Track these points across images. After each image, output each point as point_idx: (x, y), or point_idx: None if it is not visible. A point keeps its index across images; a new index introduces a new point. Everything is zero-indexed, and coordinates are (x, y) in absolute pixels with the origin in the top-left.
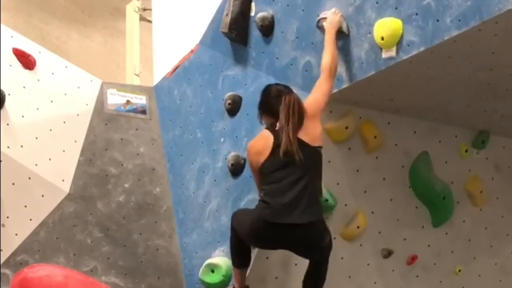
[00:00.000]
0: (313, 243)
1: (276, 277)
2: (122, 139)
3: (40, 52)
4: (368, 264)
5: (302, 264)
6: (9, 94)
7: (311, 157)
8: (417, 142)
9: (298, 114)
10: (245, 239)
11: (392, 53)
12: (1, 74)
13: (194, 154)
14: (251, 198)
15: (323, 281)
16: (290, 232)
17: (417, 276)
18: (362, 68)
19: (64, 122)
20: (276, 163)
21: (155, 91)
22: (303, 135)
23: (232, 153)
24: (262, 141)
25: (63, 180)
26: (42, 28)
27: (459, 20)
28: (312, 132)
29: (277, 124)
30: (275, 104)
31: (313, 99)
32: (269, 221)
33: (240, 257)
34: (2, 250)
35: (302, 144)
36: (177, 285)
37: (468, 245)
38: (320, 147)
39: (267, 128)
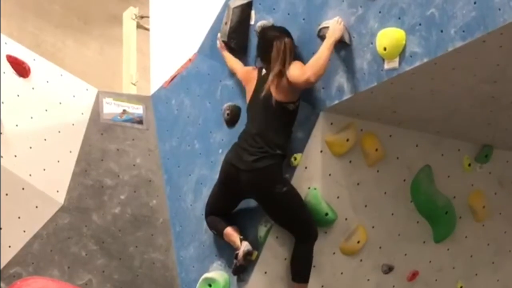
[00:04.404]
0: (262, 188)
1: None
2: (118, 149)
3: (34, 60)
4: (368, 280)
5: None
6: (2, 103)
7: (271, 110)
8: (419, 156)
9: (285, 60)
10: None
11: (395, 64)
12: None
13: (191, 166)
14: (245, 208)
15: (306, 265)
16: (239, 174)
17: None
18: (364, 79)
19: (59, 132)
20: (253, 107)
21: (152, 101)
22: (273, 89)
23: None
24: (253, 72)
25: (57, 191)
26: (37, 35)
27: (464, 31)
28: (281, 85)
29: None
30: (267, 50)
31: (300, 65)
32: (226, 159)
33: (222, 221)
34: None
35: (269, 97)
36: None
37: (470, 261)
38: (290, 102)
39: None
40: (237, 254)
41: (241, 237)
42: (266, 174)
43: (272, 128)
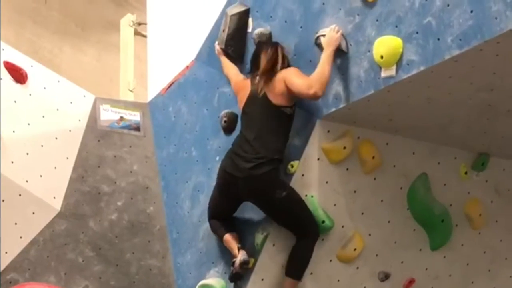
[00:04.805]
0: (262, 194)
1: None
2: (115, 156)
3: (32, 66)
4: (364, 287)
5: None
6: None
7: (269, 115)
8: (416, 164)
9: (270, 67)
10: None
11: (392, 72)
12: None
13: (188, 173)
14: (245, 218)
15: (302, 262)
16: (237, 181)
17: None
18: (361, 87)
19: (56, 138)
20: (248, 113)
21: (150, 108)
22: (269, 93)
23: None
24: (245, 81)
25: (54, 198)
26: (34, 41)
27: (460, 40)
28: (276, 90)
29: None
30: (256, 60)
31: (301, 74)
32: (222, 167)
33: (222, 226)
34: None
35: (266, 101)
36: None
37: (466, 269)
38: (286, 107)
39: None
40: (234, 262)
41: (239, 245)
42: (265, 181)
43: (271, 132)
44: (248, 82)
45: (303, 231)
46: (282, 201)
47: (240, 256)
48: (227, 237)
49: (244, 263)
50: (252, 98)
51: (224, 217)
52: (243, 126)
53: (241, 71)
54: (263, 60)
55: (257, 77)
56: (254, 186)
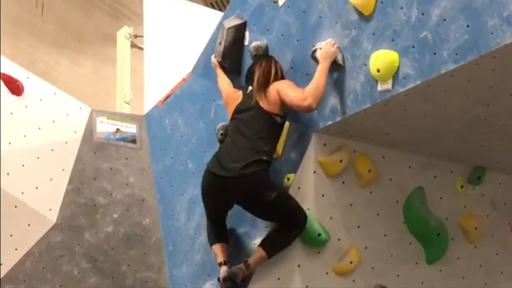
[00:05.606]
0: (252, 195)
1: None
2: (111, 168)
3: (28, 78)
4: None
5: None
6: None
7: (260, 120)
8: (412, 177)
9: (264, 77)
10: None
11: (388, 85)
12: None
13: (185, 185)
14: (242, 231)
15: (280, 245)
16: (224, 182)
17: None
18: (357, 101)
19: (52, 150)
20: (238, 120)
21: (146, 120)
22: (261, 101)
23: None
24: (236, 92)
25: (50, 209)
26: (30, 53)
27: (456, 54)
28: (269, 99)
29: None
30: (251, 75)
31: (295, 86)
32: (208, 169)
33: (214, 234)
34: None
35: (257, 107)
36: None
37: (462, 283)
38: (277, 115)
39: None
40: (219, 278)
41: (221, 261)
42: (255, 181)
43: (260, 136)
44: (240, 93)
45: (292, 223)
46: (272, 202)
47: (222, 272)
48: (214, 248)
49: (225, 279)
50: (243, 105)
51: (216, 218)
52: (232, 130)
53: (238, 84)
54: (257, 73)
55: (250, 88)
56: (244, 186)
